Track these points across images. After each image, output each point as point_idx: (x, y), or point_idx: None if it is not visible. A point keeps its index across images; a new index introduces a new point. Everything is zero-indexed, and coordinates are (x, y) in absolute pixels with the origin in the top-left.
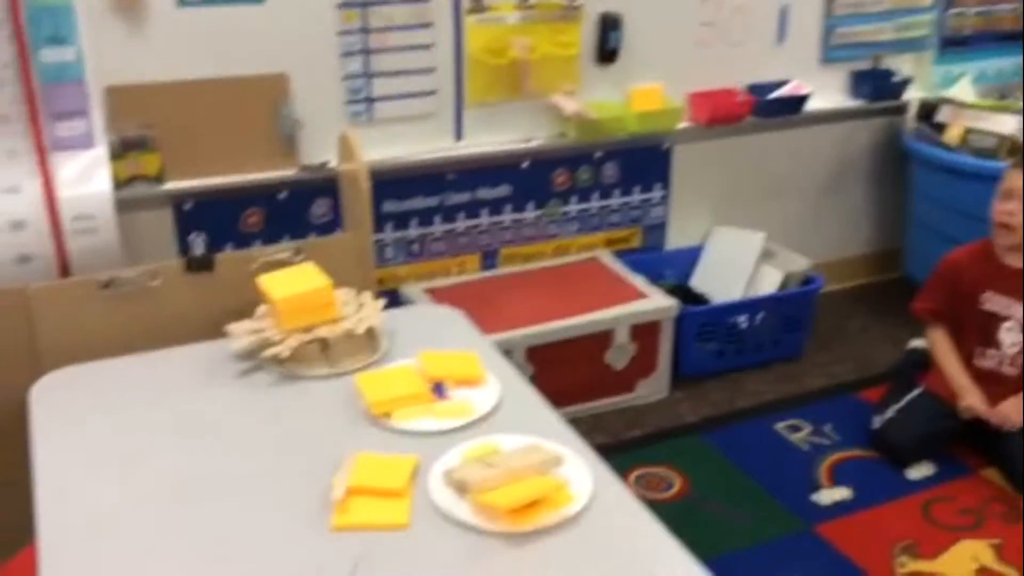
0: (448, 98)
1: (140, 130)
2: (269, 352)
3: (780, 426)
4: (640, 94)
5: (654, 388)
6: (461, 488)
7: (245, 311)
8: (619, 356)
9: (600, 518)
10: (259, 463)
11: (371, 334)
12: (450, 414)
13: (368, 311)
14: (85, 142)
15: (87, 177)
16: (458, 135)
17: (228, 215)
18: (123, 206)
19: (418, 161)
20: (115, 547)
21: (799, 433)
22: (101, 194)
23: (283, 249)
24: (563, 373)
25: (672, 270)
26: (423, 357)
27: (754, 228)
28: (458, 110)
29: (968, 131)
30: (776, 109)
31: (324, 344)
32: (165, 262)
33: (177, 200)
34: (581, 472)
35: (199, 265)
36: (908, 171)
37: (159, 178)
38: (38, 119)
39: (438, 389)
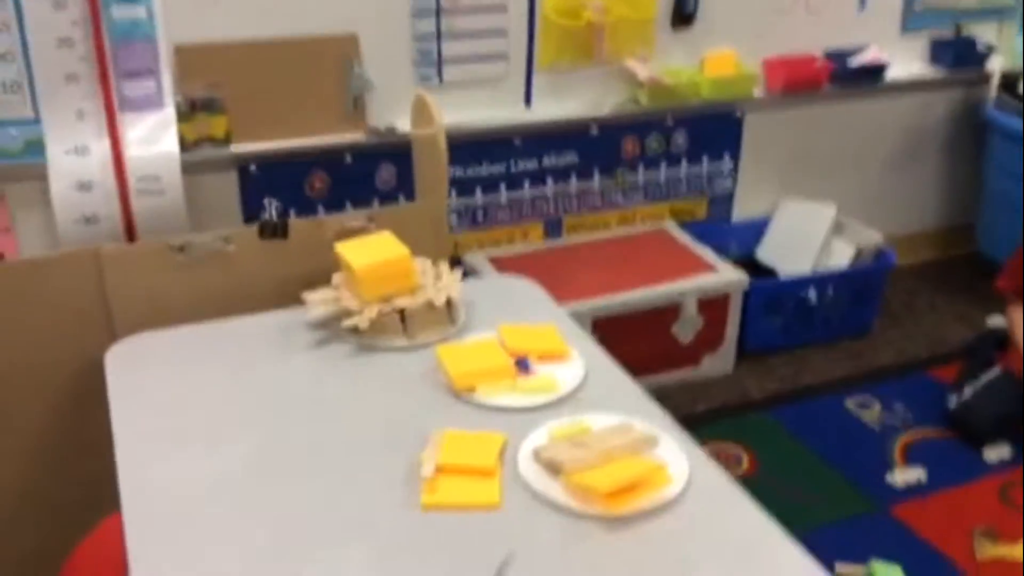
0: (519, 62)
1: (208, 91)
2: (348, 322)
3: (849, 403)
4: (714, 59)
5: (720, 362)
6: (553, 468)
7: (318, 278)
8: (686, 329)
9: (699, 501)
10: (341, 436)
11: (449, 305)
12: (536, 390)
13: (446, 281)
14: (154, 102)
15: (155, 138)
16: (528, 100)
17: (293, 179)
18: (189, 168)
19: (486, 127)
20: (198, 518)
21: (869, 411)
22: (168, 155)
23: (356, 216)
24: (629, 346)
25: (737, 242)
26: (504, 330)
27: (822, 200)
28: (529, 75)
29: None
30: (855, 77)
31: (402, 315)
32: (239, 227)
33: (243, 163)
34: (675, 453)
35: (274, 231)
36: (987, 144)
37: (226, 140)
38: (108, 78)
39: (522, 364)
